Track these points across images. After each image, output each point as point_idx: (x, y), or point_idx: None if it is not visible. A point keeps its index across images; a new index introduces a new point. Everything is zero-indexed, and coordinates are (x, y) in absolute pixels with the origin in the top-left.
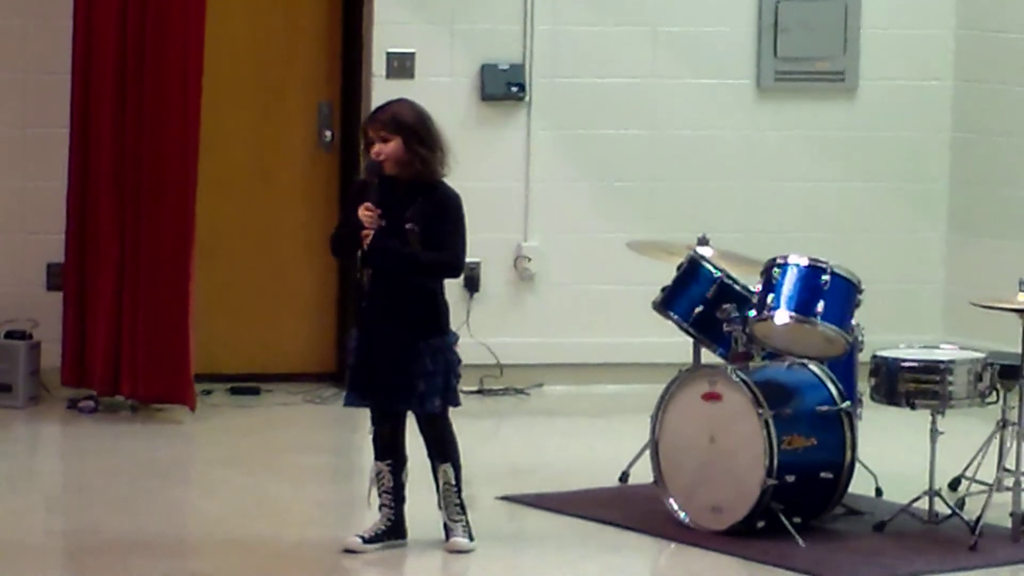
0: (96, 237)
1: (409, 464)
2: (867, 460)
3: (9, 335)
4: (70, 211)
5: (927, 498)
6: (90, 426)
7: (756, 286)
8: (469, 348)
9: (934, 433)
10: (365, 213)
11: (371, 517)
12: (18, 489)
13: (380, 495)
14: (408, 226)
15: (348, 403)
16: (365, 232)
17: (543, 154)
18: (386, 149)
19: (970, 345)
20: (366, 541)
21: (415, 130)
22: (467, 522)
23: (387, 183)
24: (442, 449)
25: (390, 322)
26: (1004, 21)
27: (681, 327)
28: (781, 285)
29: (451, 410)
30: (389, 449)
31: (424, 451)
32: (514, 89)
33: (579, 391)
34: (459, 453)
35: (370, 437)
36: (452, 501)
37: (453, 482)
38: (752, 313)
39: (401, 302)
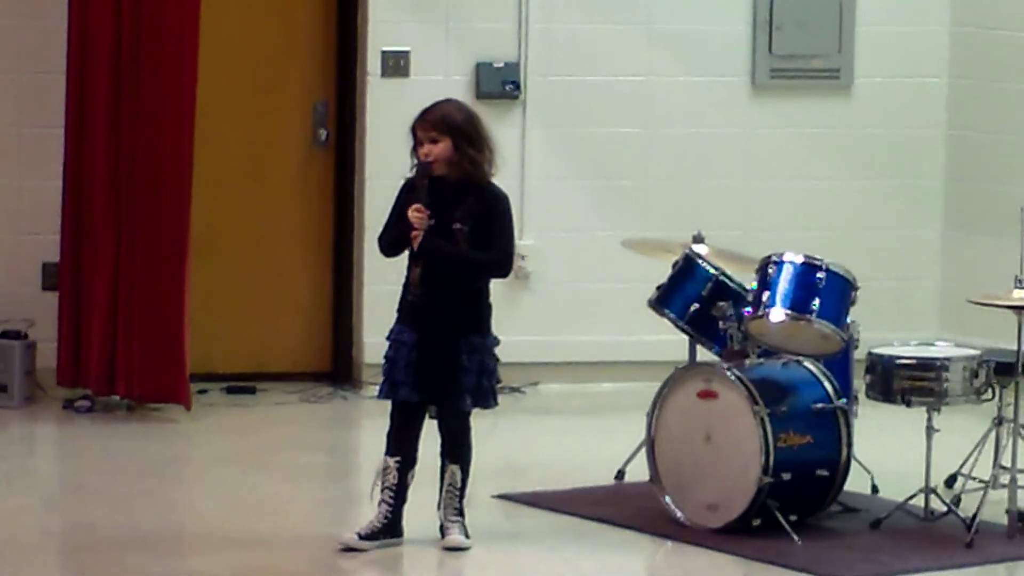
0: (91, 237)
1: (417, 467)
2: (863, 457)
3: (4, 335)
4: (65, 211)
5: (923, 495)
6: (86, 426)
7: (751, 284)
8: None
9: (930, 430)
10: (415, 214)
11: (368, 515)
12: (14, 488)
13: (382, 490)
14: (456, 226)
15: (381, 395)
16: (415, 233)
17: (538, 152)
18: (436, 150)
19: (966, 342)
20: (362, 538)
21: (465, 131)
22: (464, 523)
23: (435, 183)
24: (456, 450)
25: (434, 319)
26: (999, 18)
27: (677, 325)
28: (776, 283)
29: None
30: (402, 446)
31: (431, 453)
32: (509, 87)
33: (575, 389)
34: (471, 459)
35: (367, 435)
36: (452, 504)
37: (458, 485)
38: (747, 311)
39: (448, 300)
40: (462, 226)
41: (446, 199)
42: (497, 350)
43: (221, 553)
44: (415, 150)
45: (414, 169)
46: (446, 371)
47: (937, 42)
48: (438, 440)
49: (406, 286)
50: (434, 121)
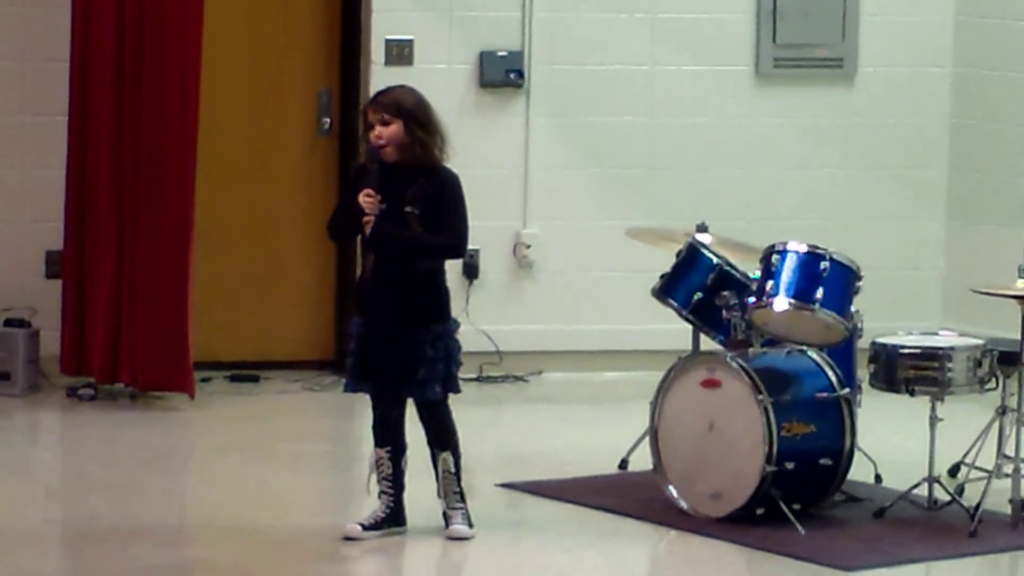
0: (95, 225)
1: (409, 452)
2: (866, 447)
3: (8, 323)
4: (69, 199)
5: (926, 485)
6: (89, 414)
7: (755, 273)
8: (468, 335)
9: (933, 420)
10: (366, 199)
11: (370, 504)
12: (17, 477)
13: (379, 482)
14: (408, 209)
15: (348, 389)
16: (367, 219)
17: (542, 141)
18: (387, 132)
19: (969, 331)
20: (365, 528)
21: (416, 114)
22: (466, 510)
23: (387, 167)
24: (442, 437)
25: (392, 308)
26: (1003, 8)
27: (680, 314)
28: (780, 272)
29: (451, 397)
30: (388, 436)
31: (423, 438)
32: (513, 76)
33: (578, 378)
34: (459, 441)
35: (370, 424)
36: (451, 489)
37: (452, 470)
38: (751, 300)
39: (403, 288)
40: (413, 209)
41: (397, 183)
42: (501, 339)
43: (224, 542)
44: (366, 134)
45: (364, 155)
46: (412, 363)
47: (941, 31)
48: (422, 431)
49: (362, 275)
50: (386, 104)
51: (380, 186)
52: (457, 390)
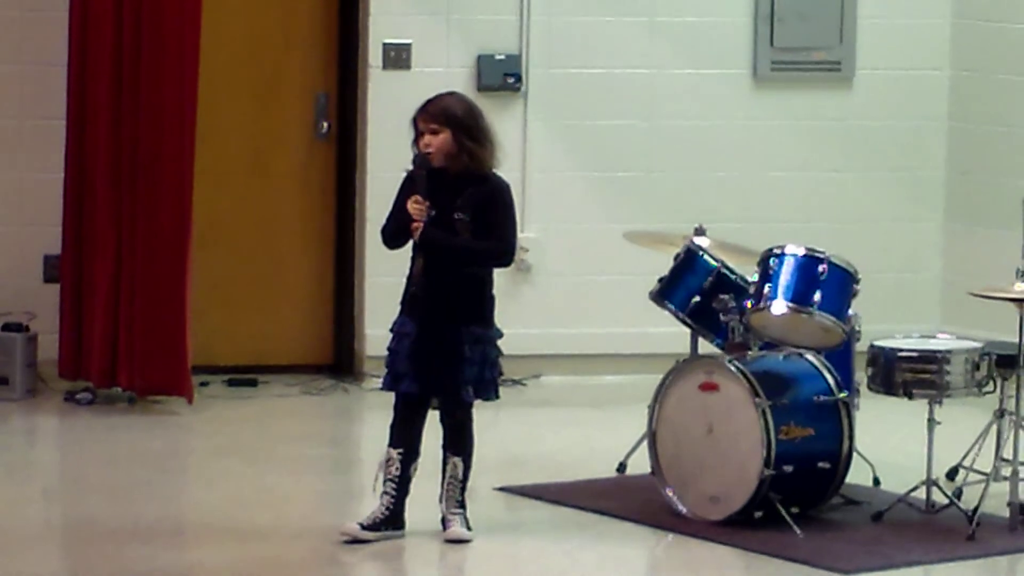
0: (93, 228)
1: (420, 460)
2: (865, 450)
3: (6, 327)
4: (67, 203)
5: (925, 488)
6: (87, 418)
7: (753, 276)
8: None
9: (931, 423)
10: (414, 206)
11: (370, 505)
12: (16, 480)
13: (385, 482)
14: (457, 216)
15: (386, 386)
16: (415, 224)
17: (540, 145)
18: (435, 141)
19: (967, 334)
20: (364, 528)
21: (464, 123)
22: (465, 515)
23: (437, 174)
24: (458, 442)
25: (436, 310)
26: (1000, 10)
27: (678, 317)
28: (778, 275)
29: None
30: (405, 438)
31: (432, 445)
32: (510, 80)
33: (577, 382)
34: (473, 451)
35: (371, 426)
36: (454, 496)
37: (460, 477)
38: (749, 303)
39: (449, 291)
40: (463, 216)
41: (447, 189)
42: (499, 343)
43: (222, 545)
44: (416, 141)
45: (413, 162)
46: (448, 362)
47: (938, 34)
48: (440, 432)
49: (409, 278)
50: (435, 113)
51: (429, 192)
52: (488, 397)
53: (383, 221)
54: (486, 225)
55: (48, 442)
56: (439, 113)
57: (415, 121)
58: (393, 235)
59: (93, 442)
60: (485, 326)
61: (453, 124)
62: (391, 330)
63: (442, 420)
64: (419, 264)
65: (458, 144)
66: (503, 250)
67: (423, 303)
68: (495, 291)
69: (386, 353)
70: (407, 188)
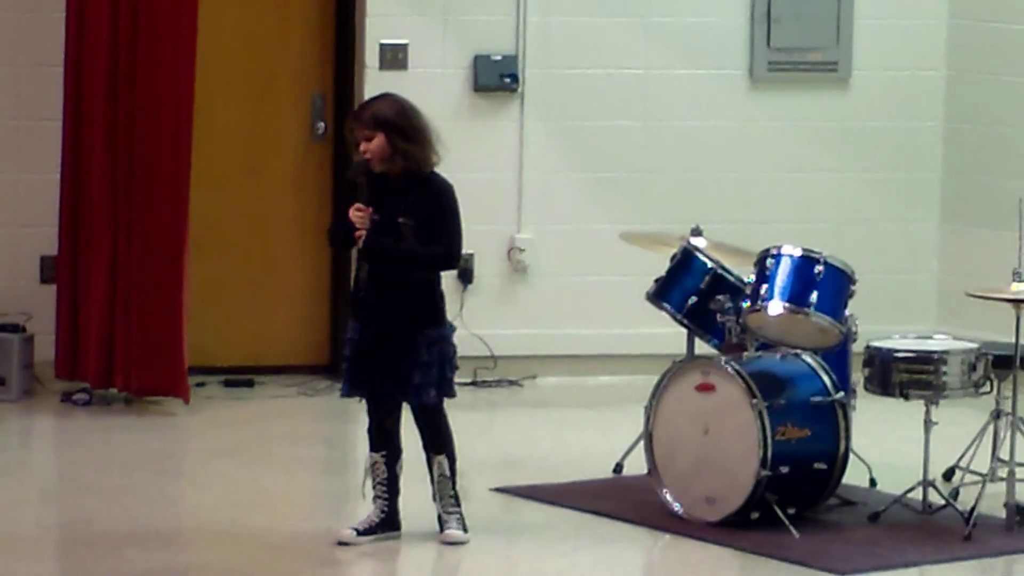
0: (89, 230)
1: (404, 456)
2: (861, 451)
3: (2, 328)
4: (63, 204)
5: (921, 488)
6: (84, 419)
7: (750, 277)
8: (463, 340)
9: (928, 423)
10: (355, 214)
11: (365, 508)
12: (12, 481)
13: (374, 486)
14: (401, 220)
15: (345, 394)
16: (358, 232)
17: (536, 145)
18: (370, 147)
19: (964, 335)
20: (360, 533)
21: (396, 125)
22: (461, 514)
23: (380, 178)
24: (437, 441)
25: (387, 314)
26: (996, 11)
27: (675, 318)
28: (774, 276)
29: (446, 402)
30: (384, 440)
31: (419, 443)
32: (507, 80)
33: (573, 382)
34: (454, 445)
35: (365, 429)
36: (446, 493)
37: (448, 474)
38: (746, 304)
39: (397, 295)
40: (407, 220)
41: (391, 193)
42: (495, 343)
43: (219, 546)
44: (356, 148)
45: (352, 169)
46: (405, 367)
47: (935, 35)
48: (418, 433)
49: (356, 282)
50: (365, 119)
51: (371, 198)
52: (452, 394)
53: (329, 225)
54: (431, 228)
55: (44, 443)
56: (369, 118)
57: (350, 129)
58: (339, 241)
59: (89, 443)
60: (439, 326)
61: (384, 127)
62: (345, 337)
63: (416, 423)
64: (364, 270)
65: (393, 146)
66: (448, 254)
67: (370, 308)
68: (487, 291)
69: (344, 361)
70: (349, 195)
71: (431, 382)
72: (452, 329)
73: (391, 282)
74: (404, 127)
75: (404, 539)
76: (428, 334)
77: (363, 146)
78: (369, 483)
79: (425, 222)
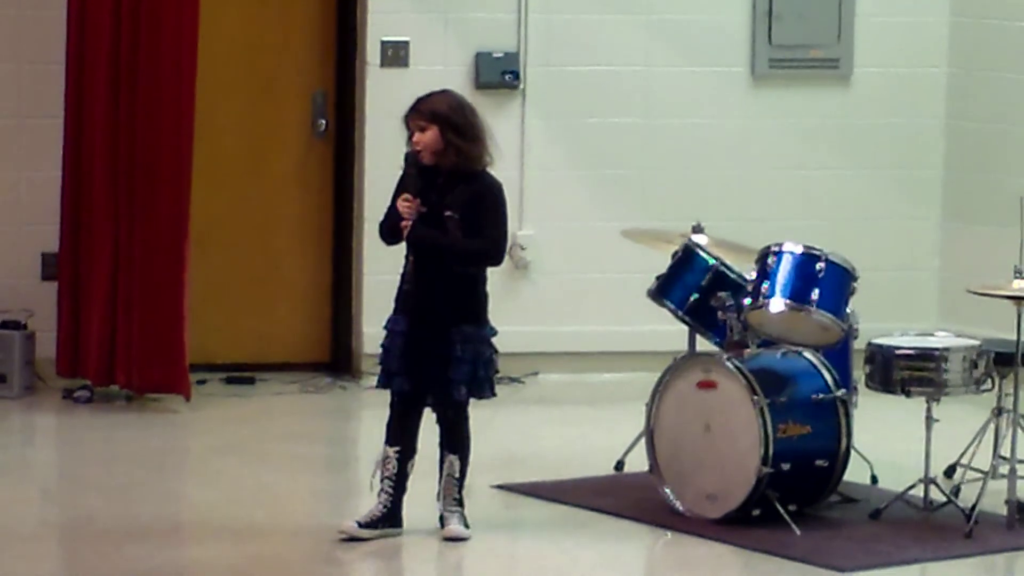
0: (90, 227)
1: (417, 457)
2: (862, 448)
3: (4, 325)
4: (64, 201)
5: (922, 486)
6: (85, 416)
7: (751, 274)
8: None
9: (929, 421)
10: (403, 204)
11: (367, 505)
12: (13, 479)
13: (382, 480)
14: (447, 214)
15: (380, 384)
16: (404, 223)
17: (538, 142)
18: (423, 139)
19: (965, 332)
20: (362, 526)
21: (452, 120)
22: (463, 513)
23: (430, 171)
24: (454, 440)
25: (428, 308)
26: (998, 8)
27: (676, 315)
28: (776, 273)
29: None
30: (401, 436)
31: (430, 444)
32: (508, 77)
33: (574, 379)
34: (470, 449)
35: (366, 425)
36: (451, 494)
37: (457, 475)
38: (747, 301)
39: (440, 289)
40: (453, 214)
41: (438, 187)
42: (496, 340)
43: (220, 543)
44: (409, 140)
45: (404, 160)
46: (439, 361)
47: (936, 32)
48: (437, 430)
49: (403, 276)
50: (422, 111)
51: (419, 190)
52: (483, 395)
53: (380, 218)
54: (476, 224)
55: (46, 440)
56: (426, 111)
57: (407, 120)
58: (388, 232)
59: (91, 440)
60: (477, 325)
61: (440, 121)
62: (385, 327)
63: (437, 419)
64: (410, 262)
65: (446, 141)
66: (492, 249)
67: (414, 301)
68: (489, 288)
69: (380, 351)
70: (401, 186)
71: (462, 379)
72: (493, 332)
73: (435, 275)
74: (459, 123)
75: (406, 536)
76: (463, 330)
77: (416, 136)
78: (379, 476)
79: (470, 217)
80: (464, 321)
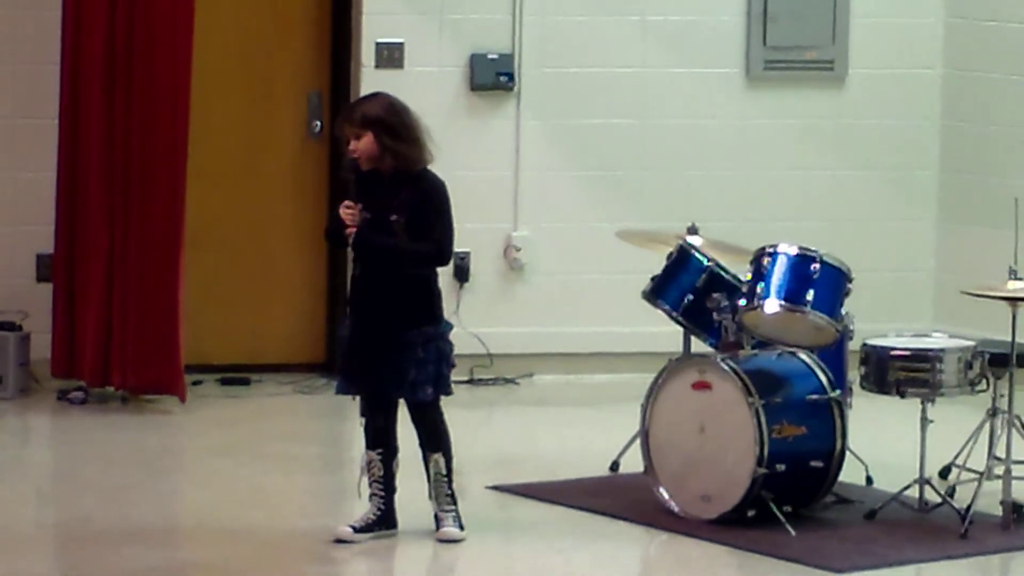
0: (86, 228)
1: (400, 454)
2: (857, 448)
3: None
4: (59, 202)
5: (917, 486)
6: (80, 417)
7: (746, 275)
8: (459, 338)
9: (924, 421)
10: (344, 211)
11: (362, 506)
12: (8, 480)
13: (371, 484)
14: (393, 217)
15: (340, 391)
16: (348, 230)
17: (532, 144)
18: (359, 146)
19: (960, 333)
20: (357, 531)
21: (385, 124)
22: (457, 512)
23: (372, 176)
24: (433, 439)
25: (382, 311)
26: (993, 10)
27: (671, 316)
28: (771, 274)
29: (442, 399)
30: (380, 438)
31: (415, 441)
32: (503, 79)
33: (569, 380)
34: (451, 443)
35: (361, 426)
36: (443, 491)
37: (444, 472)
38: (742, 302)
39: (392, 292)
40: (398, 217)
41: (382, 191)
42: (491, 341)
43: (215, 544)
44: (346, 147)
45: (342, 168)
46: (403, 365)
47: (931, 33)
48: (415, 432)
49: (352, 279)
50: (353, 118)
51: (363, 196)
52: (448, 392)
53: (326, 224)
54: (421, 226)
55: (41, 441)
56: (358, 118)
57: (341, 128)
58: (333, 239)
59: (86, 441)
60: (436, 324)
61: (373, 126)
62: (339, 335)
63: (412, 421)
64: (358, 268)
65: (382, 146)
66: (438, 251)
67: (364, 306)
68: (484, 290)
69: (340, 359)
70: (343, 192)
71: (428, 379)
72: (449, 327)
73: (384, 279)
74: (393, 126)
75: (400, 537)
76: (424, 331)
77: (352, 144)
78: (365, 481)
79: (415, 219)
80: (425, 323)
